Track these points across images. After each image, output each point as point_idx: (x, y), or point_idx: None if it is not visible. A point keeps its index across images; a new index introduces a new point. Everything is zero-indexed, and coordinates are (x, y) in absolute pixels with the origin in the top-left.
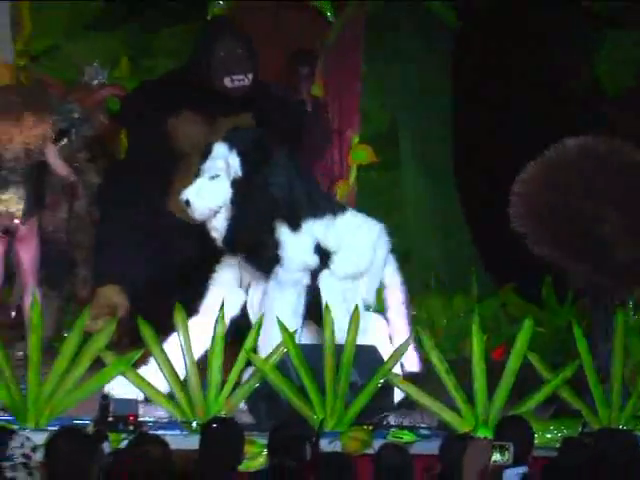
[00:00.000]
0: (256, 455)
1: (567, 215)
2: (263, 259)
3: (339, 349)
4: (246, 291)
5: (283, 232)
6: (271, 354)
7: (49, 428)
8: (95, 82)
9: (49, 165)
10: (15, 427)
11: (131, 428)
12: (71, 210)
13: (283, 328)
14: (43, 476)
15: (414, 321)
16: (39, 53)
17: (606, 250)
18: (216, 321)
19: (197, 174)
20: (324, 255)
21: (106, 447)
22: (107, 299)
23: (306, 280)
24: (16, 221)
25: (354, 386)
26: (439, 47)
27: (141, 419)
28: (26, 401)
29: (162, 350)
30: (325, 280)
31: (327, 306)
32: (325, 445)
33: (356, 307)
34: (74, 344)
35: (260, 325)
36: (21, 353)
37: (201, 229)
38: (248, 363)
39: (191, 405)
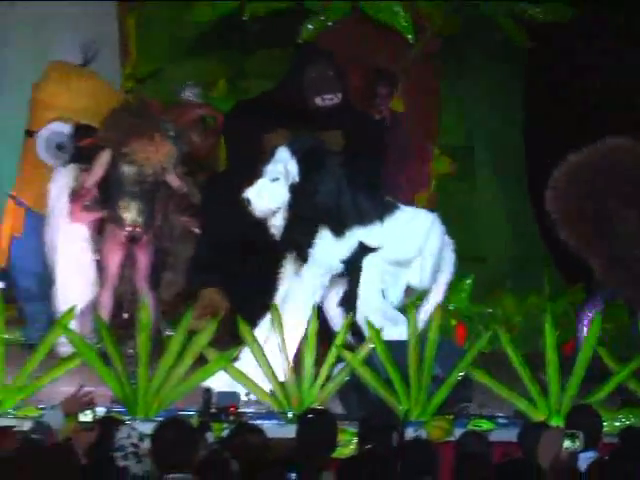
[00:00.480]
0: (347, 443)
1: (590, 210)
2: (305, 258)
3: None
4: None
5: (324, 235)
6: (359, 350)
7: (157, 419)
8: (187, 97)
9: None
10: (126, 418)
11: (232, 418)
12: (166, 219)
13: (370, 326)
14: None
15: (491, 318)
16: (144, 76)
17: (624, 248)
18: (309, 319)
19: (260, 175)
20: (367, 249)
21: (209, 437)
22: (209, 300)
23: (326, 281)
24: (138, 230)
25: (436, 379)
26: (513, 63)
27: (241, 410)
28: (136, 394)
29: (260, 346)
30: (369, 259)
31: (411, 304)
32: (410, 433)
33: (438, 306)
34: (179, 342)
35: (350, 324)
36: (131, 350)
37: None
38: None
39: (287, 397)
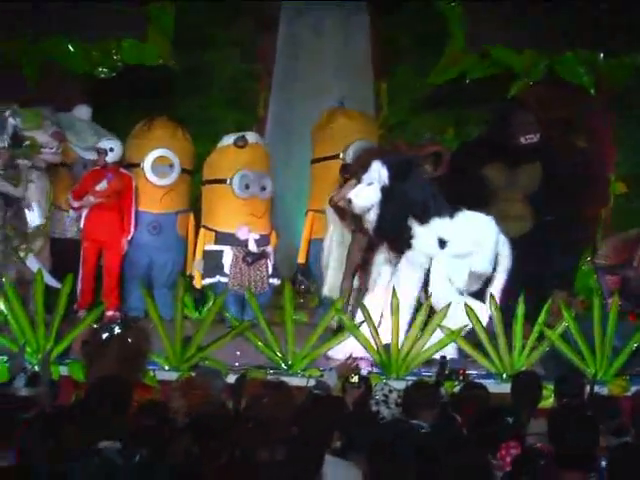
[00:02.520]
0: (547, 397)
1: None
2: (398, 245)
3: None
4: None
5: (414, 226)
6: (557, 326)
7: (407, 378)
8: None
9: None
10: (382, 377)
11: (461, 379)
12: None
13: (565, 309)
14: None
15: None
16: (393, 125)
17: None
18: (519, 302)
19: (359, 181)
20: (441, 243)
21: (443, 392)
22: None
23: (426, 264)
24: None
25: (615, 349)
26: None
27: (468, 372)
28: (390, 360)
29: (483, 325)
30: (437, 257)
31: (596, 294)
32: (597, 390)
33: (616, 292)
34: (421, 321)
35: (549, 309)
36: None
37: None
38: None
39: (502, 362)
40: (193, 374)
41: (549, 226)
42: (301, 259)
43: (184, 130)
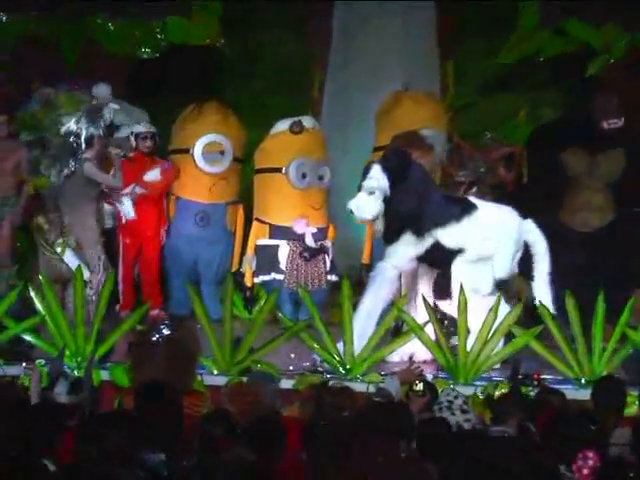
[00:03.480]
0: (630, 404)
1: None
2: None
3: None
4: None
5: (405, 238)
6: (636, 328)
7: (476, 383)
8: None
9: None
10: (450, 382)
11: (536, 383)
12: None
13: None
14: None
15: None
16: (460, 107)
17: None
18: (598, 306)
19: (359, 188)
20: (449, 250)
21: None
22: (516, 287)
23: (394, 275)
24: None
25: None
26: None
27: (543, 376)
28: (457, 364)
29: (559, 327)
30: (456, 262)
31: None
32: None
33: None
34: (490, 322)
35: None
36: (452, 329)
37: (585, 237)
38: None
39: (580, 366)
40: (244, 379)
41: (632, 218)
42: (366, 259)
43: (235, 115)
